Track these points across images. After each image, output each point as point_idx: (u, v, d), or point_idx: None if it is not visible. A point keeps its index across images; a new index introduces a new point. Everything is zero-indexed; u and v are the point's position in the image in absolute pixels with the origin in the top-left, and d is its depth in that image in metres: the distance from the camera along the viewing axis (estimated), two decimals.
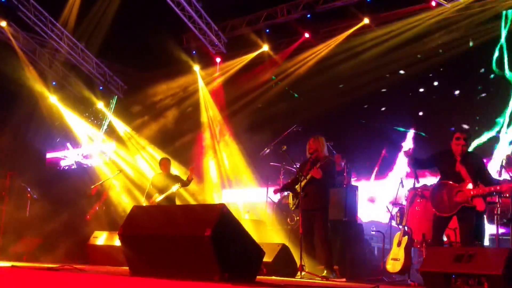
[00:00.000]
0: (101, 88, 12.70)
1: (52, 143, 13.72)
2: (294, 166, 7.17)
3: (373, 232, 7.70)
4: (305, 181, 6.48)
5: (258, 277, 4.49)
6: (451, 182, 5.41)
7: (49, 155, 13.67)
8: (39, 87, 12.13)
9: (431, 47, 9.22)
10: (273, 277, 5.68)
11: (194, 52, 11.54)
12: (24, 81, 11.76)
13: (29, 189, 10.43)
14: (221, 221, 3.97)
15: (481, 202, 5.27)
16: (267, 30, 10.67)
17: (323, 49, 10.12)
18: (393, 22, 9.28)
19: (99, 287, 3.76)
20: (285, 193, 7.61)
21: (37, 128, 12.87)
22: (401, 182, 6.87)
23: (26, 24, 11.10)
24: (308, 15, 9.90)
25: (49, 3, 10.88)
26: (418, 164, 5.99)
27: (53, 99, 12.63)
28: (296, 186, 6.59)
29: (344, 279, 6.18)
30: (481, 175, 5.44)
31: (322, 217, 6.48)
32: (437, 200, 5.45)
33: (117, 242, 7.29)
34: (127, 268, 4.58)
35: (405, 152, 5.87)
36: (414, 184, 6.46)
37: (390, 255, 6.17)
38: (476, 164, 5.48)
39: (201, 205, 5.34)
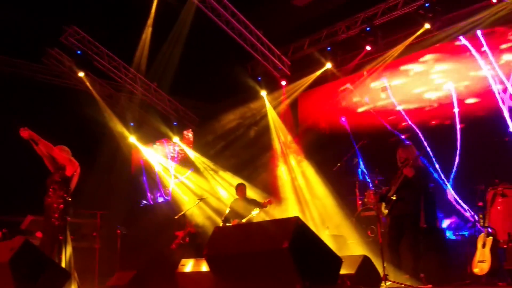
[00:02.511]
0: (175, 123, 13.29)
1: (133, 180, 14.42)
2: (369, 176, 7.21)
3: (456, 237, 7.50)
4: (397, 185, 6.47)
5: None
6: None
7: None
8: (119, 127, 12.94)
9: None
10: None
11: (259, 78, 11.85)
12: (106, 123, 12.60)
13: (118, 226, 11.03)
14: (297, 232, 4.13)
15: None
16: (329, 48, 10.78)
17: (387, 59, 10.06)
18: (454, 24, 9.08)
19: None
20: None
21: (120, 167, 13.62)
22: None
23: (101, 72, 11.93)
24: (367, 28, 9.93)
25: (121, 49, 11.65)
26: None
27: (132, 139, 13.37)
28: (389, 194, 6.63)
29: (430, 286, 6.07)
30: None
31: (413, 223, 6.44)
32: None
33: (204, 268, 7.56)
34: None
35: None
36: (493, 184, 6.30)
37: (476, 257, 6.00)
38: None
39: (276, 220, 5.49)
